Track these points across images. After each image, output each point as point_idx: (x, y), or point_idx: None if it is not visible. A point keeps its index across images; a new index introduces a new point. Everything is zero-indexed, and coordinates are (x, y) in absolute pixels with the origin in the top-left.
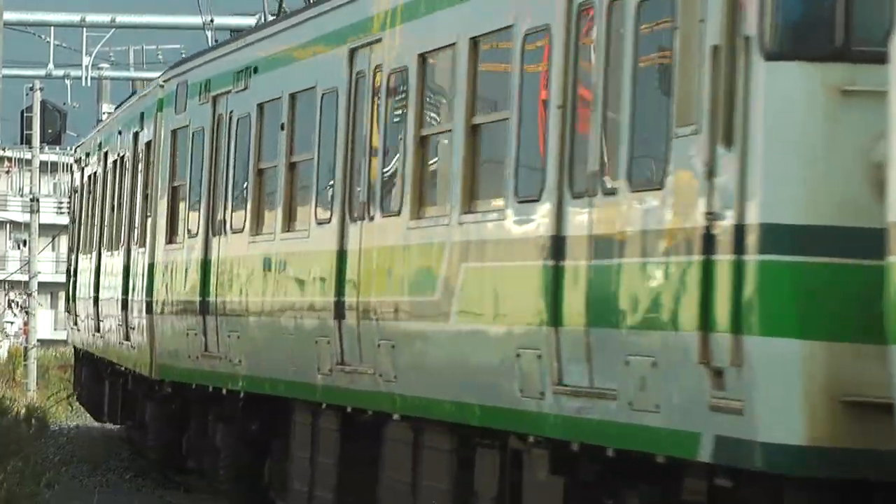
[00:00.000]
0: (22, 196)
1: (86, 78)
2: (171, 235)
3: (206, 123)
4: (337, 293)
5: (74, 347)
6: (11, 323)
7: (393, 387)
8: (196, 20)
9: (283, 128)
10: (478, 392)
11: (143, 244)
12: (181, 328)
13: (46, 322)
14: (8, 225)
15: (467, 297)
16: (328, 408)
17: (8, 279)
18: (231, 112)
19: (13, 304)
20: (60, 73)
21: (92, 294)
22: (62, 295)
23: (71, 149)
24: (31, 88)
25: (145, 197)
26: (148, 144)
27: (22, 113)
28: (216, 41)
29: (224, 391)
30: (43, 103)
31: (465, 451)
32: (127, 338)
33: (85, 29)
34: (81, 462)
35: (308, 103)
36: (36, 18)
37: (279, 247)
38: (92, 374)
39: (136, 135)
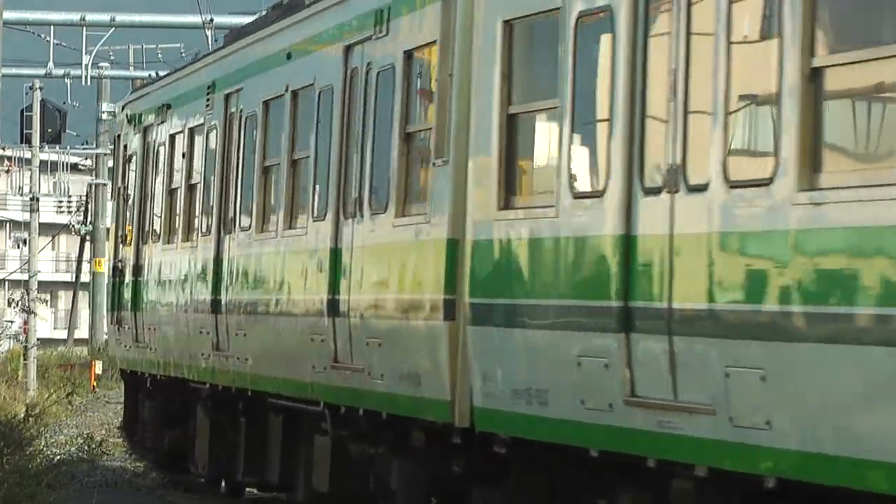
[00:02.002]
0: (22, 195)
1: (86, 77)
2: (291, 220)
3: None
4: None
5: (123, 372)
6: (11, 322)
7: None
8: (196, 19)
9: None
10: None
11: (263, 229)
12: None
13: (47, 321)
14: (8, 224)
15: None
16: None
17: (7, 278)
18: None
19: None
20: (60, 72)
21: (182, 295)
22: (62, 294)
23: (110, 111)
24: (31, 88)
25: (264, 171)
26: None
27: (22, 112)
28: (216, 40)
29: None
30: (43, 102)
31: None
32: (216, 348)
33: (85, 28)
34: (81, 462)
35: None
36: (36, 17)
37: None
38: (162, 407)
39: (227, 98)
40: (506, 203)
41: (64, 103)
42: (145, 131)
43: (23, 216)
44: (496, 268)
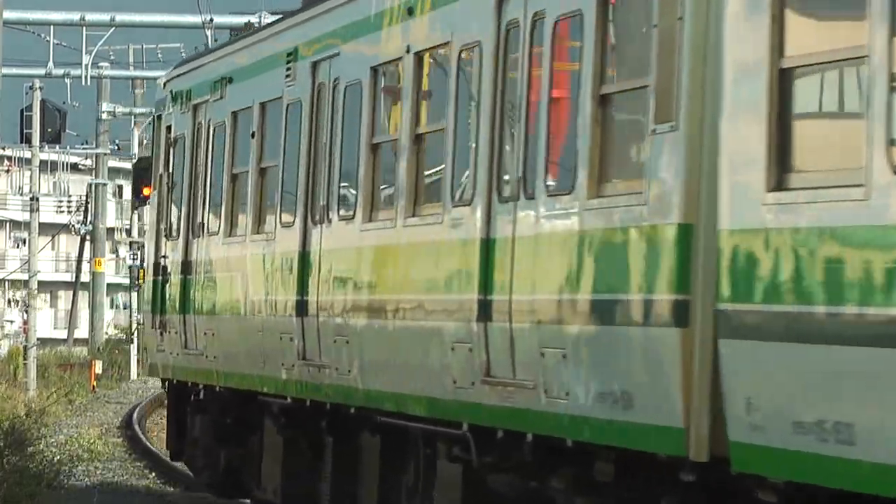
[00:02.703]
0: (22, 195)
1: (85, 77)
2: (416, 206)
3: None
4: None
5: (166, 382)
6: (11, 322)
7: None
8: (196, 19)
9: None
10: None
11: (373, 218)
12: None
13: (46, 321)
14: (8, 224)
15: None
16: None
17: (7, 278)
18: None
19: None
20: (60, 72)
21: (252, 296)
22: (62, 294)
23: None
24: (31, 87)
25: (372, 149)
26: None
27: (22, 112)
28: (215, 40)
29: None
30: (43, 102)
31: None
32: (303, 357)
33: (85, 28)
34: (81, 462)
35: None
36: (36, 17)
37: None
38: (217, 422)
39: (315, 66)
40: (779, 182)
41: (64, 103)
42: (195, 110)
43: (23, 216)
44: (767, 266)
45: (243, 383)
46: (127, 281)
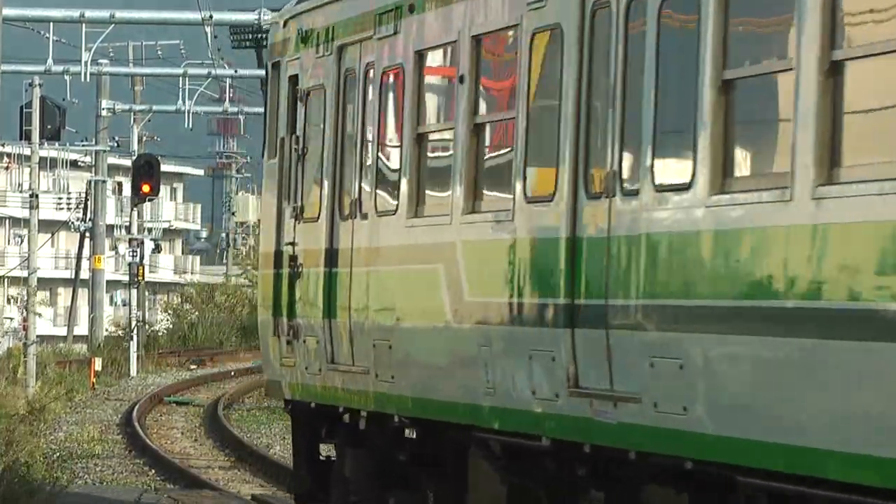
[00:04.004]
0: (21, 192)
1: (85, 74)
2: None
3: None
4: None
5: (291, 405)
6: (11, 319)
7: None
8: (195, 16)
9: None
10: None
11: (726, 188)
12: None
13: (46, 318)
14: (7, 221)
15: None
16: None
17: (7, 275)
18: None
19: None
20: (60, 68)
21: (463, 299)
22: (62, 291)
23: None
24: (31, 84)
25: (725, 87)
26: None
27: (21, 109)
28: (215, 37)
29: None
30: (42, 99)
31: None
32: (575, 384)
33: (84, 25)
34: (81, 459)
35: None
36: (35, 14)
37: None
38: (384, 459)
39: None
40: None
41: (63, 100)
42: (342, 52)
43: (22, 213)
44: None
45: (453, 414)
46: (126, 278)
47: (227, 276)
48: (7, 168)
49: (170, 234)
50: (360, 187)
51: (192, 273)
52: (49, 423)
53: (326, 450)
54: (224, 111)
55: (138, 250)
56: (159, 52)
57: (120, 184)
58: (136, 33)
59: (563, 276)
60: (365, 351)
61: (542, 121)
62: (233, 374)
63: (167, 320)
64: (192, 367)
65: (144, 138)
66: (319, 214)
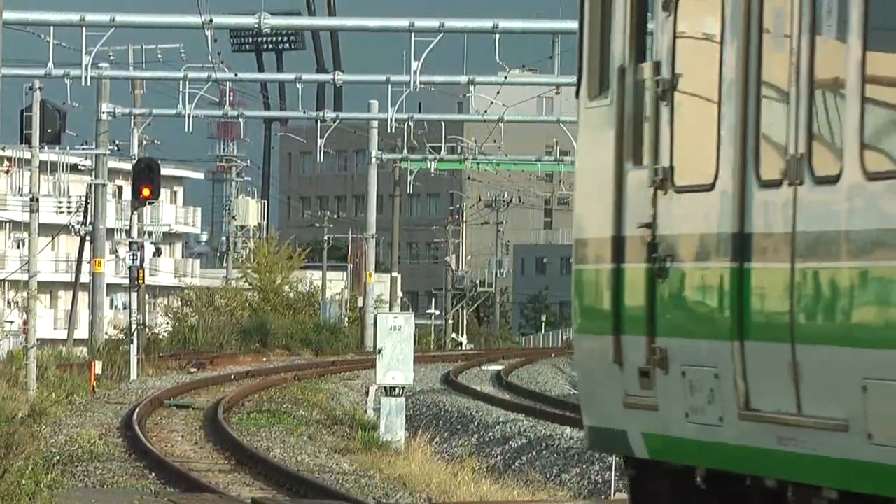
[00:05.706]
0: (21, 195)
1: (85, 77)
2: None
3: None
4: None
5: (637, 467)
6: (11, 322)
7: None
8: (195, 20)
9: None
10: None
11: None
12: None
13: (46, 321)
14: (8, 224)
15: None
16: None
17: (8, 279)
18: None
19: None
20: (60, 72)
21: None
22: (62, 294)
23: None
24: (31, 88)
25: None
26: None
27: (22, 112)
28: (215, 41)
29: None
30: (42, 103)
31: None
32: None
33: (84, 28)
34: (81, 462)
35: None
36: (35, 18)
37: None
38: None
39: None
40: None
41: (64, 104)
42: None
43: (23, 216)
44: None
45: None
46: (126, 281)
47: (227, 280)
48: (7, 171)
49: (170, 237)
50: (810, 135)
51: (192, 276)
52: (49, 427)
53: None
54: (224, 115)
55: (138, 254)
56: (159, 56)
57: (120, 187)
58: (137, 37)
59: None
60: (835, 394)
61: None
62: (233, 377)
63: (167, 324)
64: (193, 370)
65: (144, 142)
66: (715, 180)
